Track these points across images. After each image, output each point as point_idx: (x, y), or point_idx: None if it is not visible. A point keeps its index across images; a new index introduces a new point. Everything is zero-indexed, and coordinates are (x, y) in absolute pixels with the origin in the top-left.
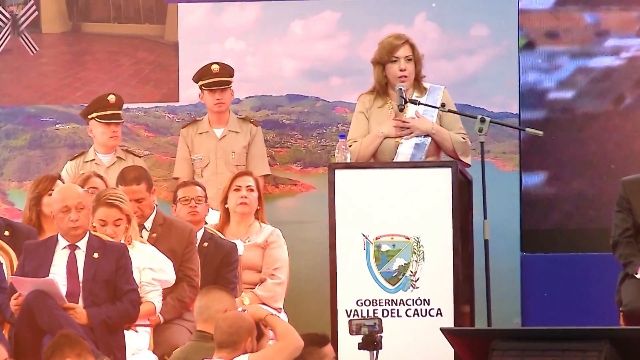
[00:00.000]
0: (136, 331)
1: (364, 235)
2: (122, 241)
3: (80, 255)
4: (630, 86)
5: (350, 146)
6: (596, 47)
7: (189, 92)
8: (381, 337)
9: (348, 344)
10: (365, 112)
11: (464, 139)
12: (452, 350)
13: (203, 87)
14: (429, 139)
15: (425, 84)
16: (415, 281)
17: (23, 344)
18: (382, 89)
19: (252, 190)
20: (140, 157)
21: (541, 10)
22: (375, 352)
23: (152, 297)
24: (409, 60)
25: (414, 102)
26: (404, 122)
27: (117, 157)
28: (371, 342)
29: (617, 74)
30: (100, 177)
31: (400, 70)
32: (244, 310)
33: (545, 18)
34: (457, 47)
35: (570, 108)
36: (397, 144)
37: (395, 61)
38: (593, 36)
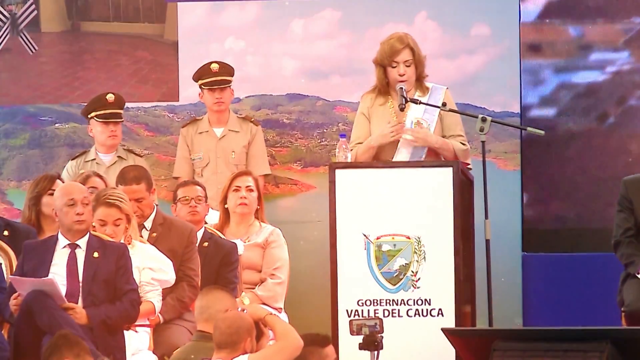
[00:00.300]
0: (136, 331)
1: (364, 235)
2: (122, 241)
3: (81, 255)
4: (614, 103)
5: (351, 149)
6: (580, 61)
7: (189, 92)
8: (382, 337)
9: (349, 344)
10: (365, 113)
11: (464, 144)
12: (453, 351)
13: (203, 86)
14: None
15: (428, 84)
16: (416, 281)
17: (22, 344)
18: (383, 89)
19: (251, 190)
20: (141, 156)
21: (524, 23)
22: (376, 352)
23: (152, 297)
24: (409, 65)
25: (415, 101)
26: (415, 136)
27: (118, 156)
28: (372, 343)
29: (601, 90)
30: (100, 176)
31: (399, 75)
32: (244, 310)
33: (528, 31)
34: (458, 46)
35: (552, 125)
36: (396, 142)
37: (395, 66)
38: (577, 50)
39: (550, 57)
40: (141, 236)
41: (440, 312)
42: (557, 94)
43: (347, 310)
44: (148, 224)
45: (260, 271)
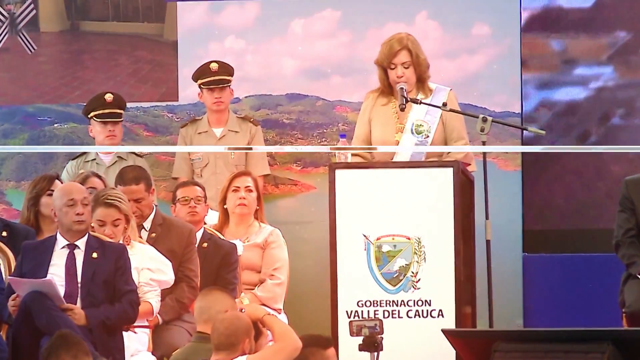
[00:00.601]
0: (135, 332)
1: (364, 236)
2: (121, 241)
3: (79, 255)
4: (596, 122)
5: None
6: (563, 76)
7: (189, 91)
8: (382, 338)
9: (349, 346)
10: (366, 114)
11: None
12: (454, 352)
13: (202, 86)
14: (429, 139)
15: (432, 85)
16: (417, 282)
17: (21, 345)
18: (386, 90)
19: (250, 190)
20: (141, 157)
21: None
22: (376, 353)
23: (150, 298)
24: (407, 66)
25: (415, 102)
26: None
27: (118, 156)
28: (372, 344)
29: (583, 107)
30: (99, 177)
31: (398, 77)
32: (242, 310)
33: None
34: (458, 46)
35: (534, 142)
36: (396, 143)
37: (393, 68)
38: (560, 64)
39: (532, 71)
40: (140, 237)
41: (440, 313)
42: (538, 111)
43: (347, 311)
44: (147, 224)
45: (259, 272)
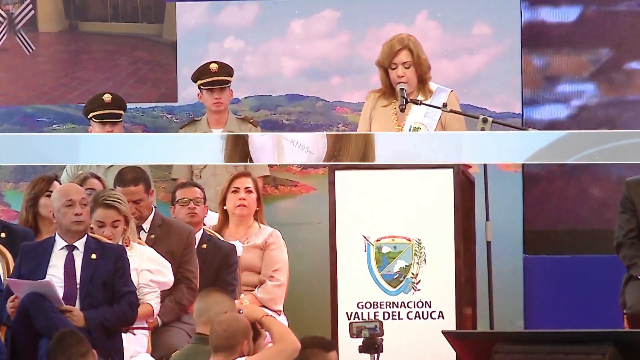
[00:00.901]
0: (134, 334)
1: (364, 237)
2: (120, 243)
3: (78, 257)
4: None
5: None
6: (544, 94)
7: (188, 92)
8: (382, 340)
9: (349, 347)
10: (368, 114)
11: None
12: (454, 353)
13: (201, 87)
14: None
15: (433, 86)
16: (417, 283)
17: (19, 347)
18: (388, 90)
19: (250, 191)
20: None
21: None
22: (376, 355)
23: (150, 299)
24: (408, 66)
25: (415, 102)
26: None
27: None
28: (372, 345)
29: (564, 126)
30: (98, 177)
31: (398, 77)
32: (240, 311)
33: None
34: (458, 46)
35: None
36: None
37: (394, 68)
38: (541, 81)
39: None
40: (139, 238)
41: (440, 314)
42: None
43: (346, 313)
44: (146, 225)
45: (259, 273)
